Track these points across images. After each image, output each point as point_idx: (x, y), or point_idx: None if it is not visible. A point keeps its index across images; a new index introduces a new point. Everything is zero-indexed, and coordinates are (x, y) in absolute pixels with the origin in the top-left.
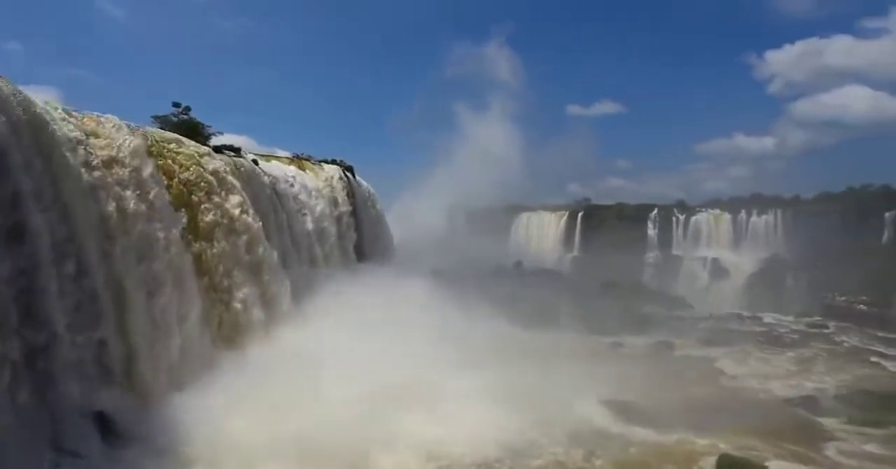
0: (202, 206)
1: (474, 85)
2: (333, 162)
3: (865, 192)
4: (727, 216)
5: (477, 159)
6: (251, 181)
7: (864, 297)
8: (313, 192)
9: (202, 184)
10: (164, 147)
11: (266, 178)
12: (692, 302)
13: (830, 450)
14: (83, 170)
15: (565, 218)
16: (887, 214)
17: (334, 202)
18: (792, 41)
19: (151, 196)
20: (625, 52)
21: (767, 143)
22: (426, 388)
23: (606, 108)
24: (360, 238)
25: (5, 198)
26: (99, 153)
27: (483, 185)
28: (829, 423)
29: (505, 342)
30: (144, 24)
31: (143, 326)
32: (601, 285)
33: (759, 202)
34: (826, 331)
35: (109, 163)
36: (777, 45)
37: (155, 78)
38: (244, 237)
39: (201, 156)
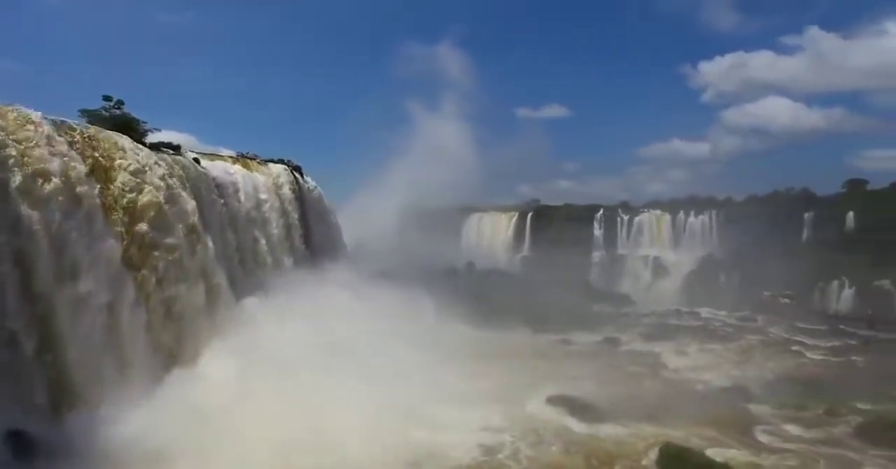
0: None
1: (426, 85)
2: (280, 161)
3: (788, 195)
4: (667, 217)
5: (429, 159)
6: (191, 181)
7: (787, 292)
8: (259, 193)
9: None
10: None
11: (209, 177)
12: (636, 299)
13: (760, 434)
14: None
15: (515, 218)
16: (806, 215)
17: (281, 202)
18: (722, 54)
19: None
20: (572, 58)
21: (702, 148)
22: (379, 392)
23: (554, 111)
24: (309, 239)
25: None
26: None
27: (435, 186)
28: (758, 409)
29: (456, 342)
30: (82, 13)
31: (73, 340)
32: (550, 284)
33: (695, 203)
34: (755, 324)
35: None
36: (709, 57)
37: (92, 71)
38: (182, 239)
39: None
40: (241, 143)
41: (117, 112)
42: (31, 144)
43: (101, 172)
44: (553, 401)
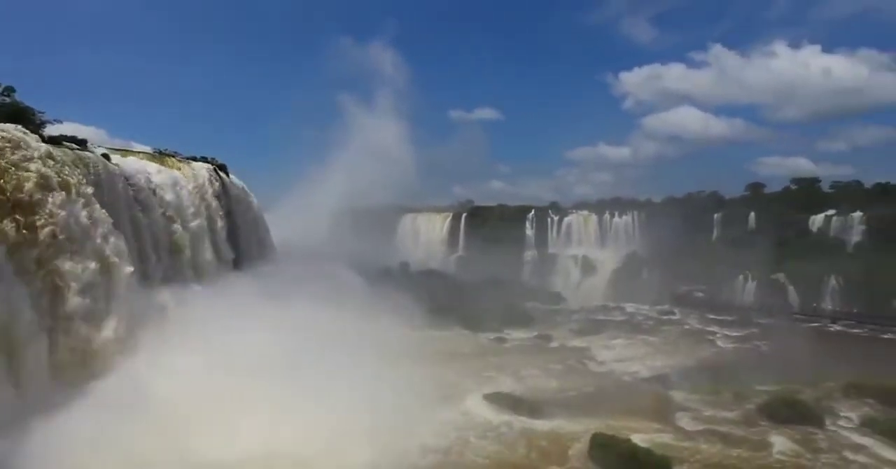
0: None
1: (360, 84)
2: (204, 159)
3: (700, 198)
4: (594, 217)
5: (362, 159)
6: (100, 178)
7: (701, 286)
8: (179, 192)
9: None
10: None
11: (121, 175)
12: (566, 296)
13: (680, 419)
14: None
15: (450, 219)
16: (716, 216)
17: (205, 202)
18: (640, 65)
19: None
20: (503, 63)
21: (625, 152)
22: (315, 398)
23: (486, 114)
24: (236, 240)
25: None
26: None
27: (369, 185)
28: (678, 395)
29: (392, 344)
30: None
31: None
32: (484, 283)
33: (619, 204)
34: (674, 316)
35: None
36: (629, 67)
37: None
38: (89, 247)
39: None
40: (159, 140)
41: (6, 100)
42: None
43: None
44: (490, 398)
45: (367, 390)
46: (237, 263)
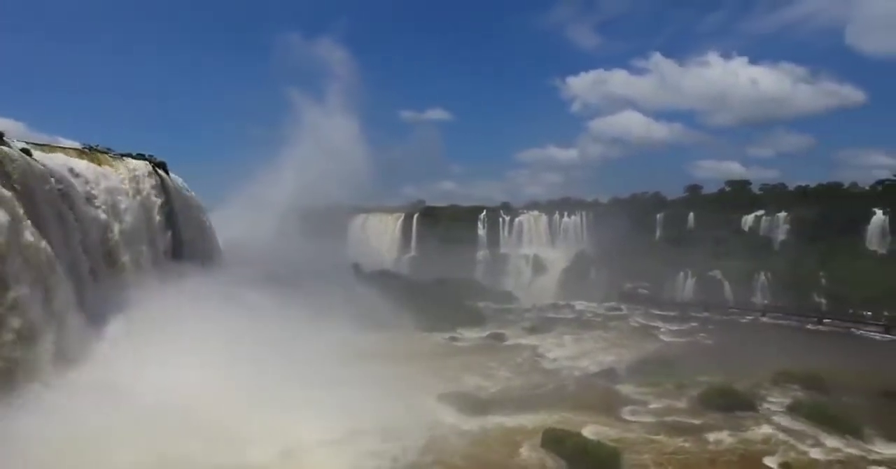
0: None
1: (309, 82)
2: (141, 156)
3: (644, 198)
4: (544, 217)
5: (312, 158)
6: (20, 176)
7: (645, 284)
8: (114, 191)
9: None
10: None
11: (46, 172)
12: (518, 295)
13: (628, 411)
14: None
15: (402, 219)
16: (658, 216)
17: (143, 202)
18: (586, 70)
19: None
20: (453, 64)
21: (573, 154)
22: (265, 406)
23: (438, 114)
24: (179, 242)
25: None
26: None
27: (319, 185)
28: (624, 389)
29: (345, 347)
30: None
31: None
32: (437, 284)
33: (568, 205)
34: (621, 313)
35: None
36: (575, 72)
37: None
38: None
39: None
40: (90, 137)
41: None
42: None
43: None
44: (443, 398)
45: (315, 395)
46: (179, 267)
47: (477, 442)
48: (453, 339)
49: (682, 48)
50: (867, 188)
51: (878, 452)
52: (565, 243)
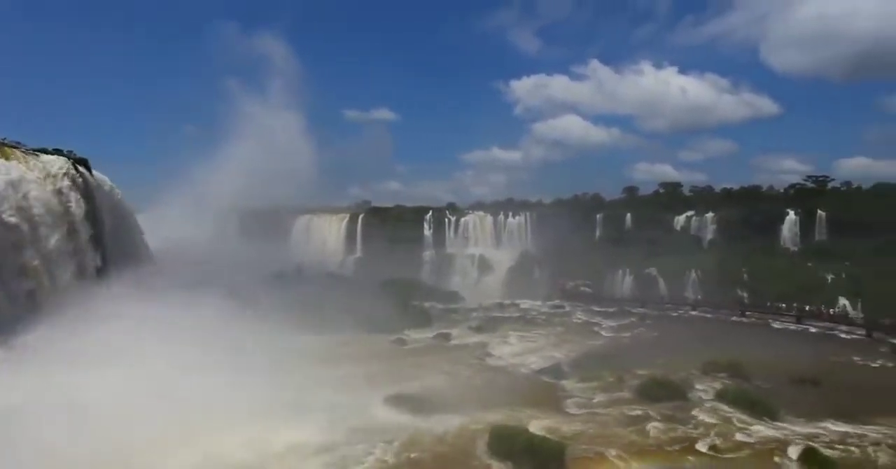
0: None
1: (249, 77)
2: (59, 152)
3: (584, 199)
4: (489, 218)
5: (252, 156)
6: None
7: (587, 282)
8: (25, 190)
9: None
10: None
11: None
12: (464, 295)
13: (572, 405)
14: None
15: (347, 220)
16: (598, 216)
17: (60, 202)
18: (528, 74)
19: None
20: (400, 65)
21: (516, 155)
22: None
23: (383, 114)
24: (101, 246)
25: None
26: None
27: (260, 185)
28: (567, 384)
29: (289, 351)
30: None
31: None
32: (383, 285)
33: (513, 205)
34: (563, 310)
35: None
36: (518, 76)
37: None
38: None
39: None
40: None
41: None
42: None
43: None
44: (391, 400)
45: (260, 401)
46: (104, 275)
47: (425, 442)
48: (400, 340)
49: (617, 56)
50: (781, 191)
51: (790, 431)
52: (510, 243)
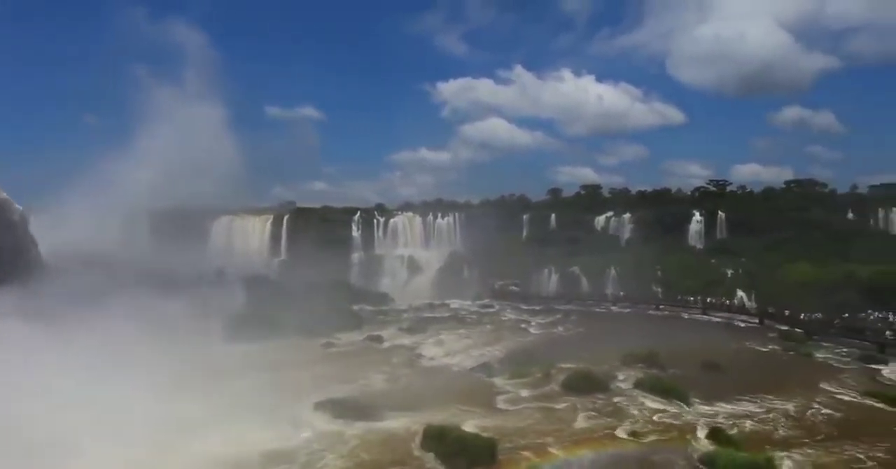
0: None
1: (161, 66)
2: None
3: (511, 200)
4: (418, 218)
5: (163, 152)
6: None
7: (515, 281)
8: None
9: None
10: None
11: None
12: (394, 296)
13: (500, 402)
14: None
15: (271, 221)
16: (525, 217)
17: None
18: (455, 77)
19: None
20: (326, 63)
21: (444, 156)
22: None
23: (308, 112)
24: None
25: None
26: None
27: (173, 183)
28: (498, 381)
29: (209, 360)
30: None
31: None
32: (310, 287)
33: (441, 206)
34: (493, 309)
35: None
36: (445, 78)
37: None
38: None
39: None
40: None
41: None
42: None
43: None
44: (321, 406)
45: (182, 415)
46: None
47: (356, 447)
48: (329, 343)
49: (540, 63)
50: (688, 194)
51: (698, 412)
52: (439, 244)
